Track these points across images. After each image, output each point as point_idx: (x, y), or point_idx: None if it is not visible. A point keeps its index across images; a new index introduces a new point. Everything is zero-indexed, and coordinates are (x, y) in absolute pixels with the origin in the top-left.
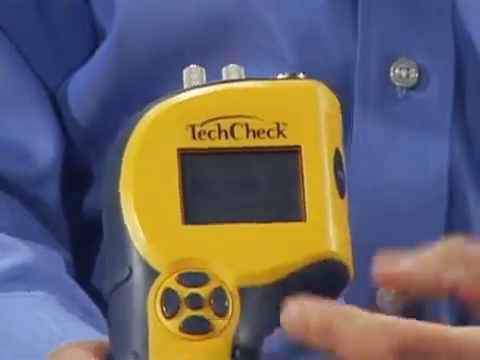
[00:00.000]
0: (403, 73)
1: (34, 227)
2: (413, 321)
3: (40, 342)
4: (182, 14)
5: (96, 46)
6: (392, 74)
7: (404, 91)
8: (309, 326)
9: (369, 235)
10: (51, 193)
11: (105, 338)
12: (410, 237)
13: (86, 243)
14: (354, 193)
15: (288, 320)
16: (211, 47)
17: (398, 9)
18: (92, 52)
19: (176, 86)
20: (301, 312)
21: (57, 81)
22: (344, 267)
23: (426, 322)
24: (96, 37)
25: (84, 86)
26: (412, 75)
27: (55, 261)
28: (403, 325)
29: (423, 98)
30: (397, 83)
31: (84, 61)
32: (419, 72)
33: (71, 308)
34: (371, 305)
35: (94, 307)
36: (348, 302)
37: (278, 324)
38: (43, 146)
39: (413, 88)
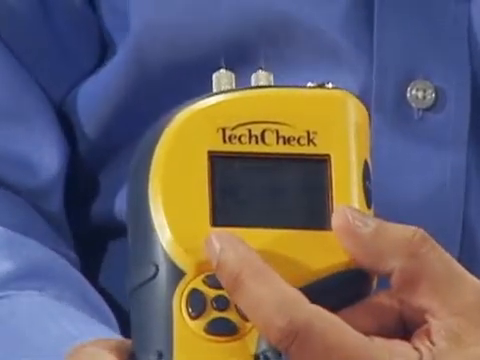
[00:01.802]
0: (420, 94)
1: (41, 227)
2: (320, 309)
3: (54, 341)
4: (203, 27)
5: (103, 57)
6: (409, 95)
7: (420, 112)
8: (221, 266)
9: None
10: (55, 204)
11: (119, 338)
12: None
13: (94, 250)
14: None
15: (207, 249)
16: (234, 56)
17: (414, 31)
18: (98, 63)
19: (194, 95)
20: (221, 249)
21: (63, 92)
22: (368, 277)
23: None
24: (103, 48)
25: (96, 97)
26: (428, 96)
27: (65, 260)
28: (304, 310)
29: (440, 119)
30: (413, 104)
31: (90, 71)
32: (436, 93)
33: (83, 307)
34: None
35: (106, 307)
36: None
37: None
38: (47, 158)
39: (429, 109)
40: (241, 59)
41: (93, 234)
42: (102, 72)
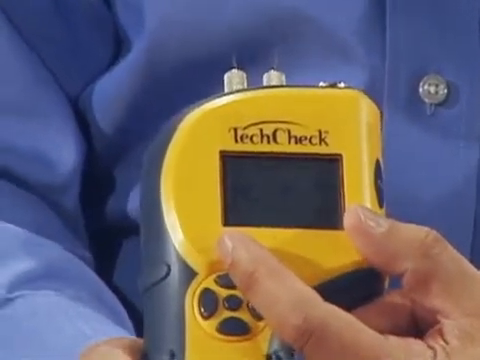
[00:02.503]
0: (432, 89)
1: (57, 227)
2: (336, 308)
3: (69, 341)
4: (216, 24)
5: (118, 53)
6: (421, 90)
7: (433, 107)
8: (235, 265)
9: None
10: (71, 200)
11: (134, 337)
12: None
13: (108, 247)
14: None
15: (220, 249)
16: (246, 55)
17: (426, 26)
18: (114, 58)
19: (209, 93)
20: (234, 248)
21: (79, 88)
22: (380, 277)
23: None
24: (118, 44)
25: (112, 92)
26: (441, 91)
27: (80, 261)
28: (319, 308)
29: (452, 114)
30: (426, 99)
31: (106, 68)
32: (448, 88)
33: (98, 308)
34: None
35: (120, 307)
36: None
37: None
38: (65, 155)
39: (442, 104)
40: (252, 57)
41: (107, 232)
42: (116, 69)
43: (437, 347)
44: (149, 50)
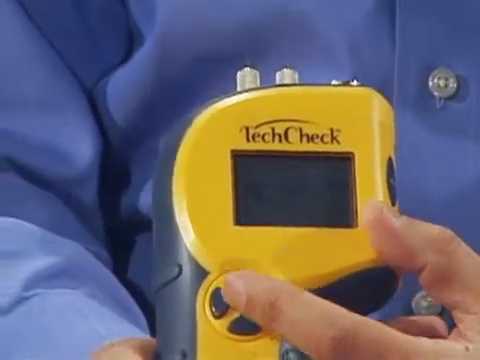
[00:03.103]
0: (441, 83)
1: (73, 225)
2: (365, 318)
3: (84, 341)
4: (225, 20)
5: (131, 48)
6: (431, 83)
7: (442, 101)
8: (253, 300)
9: None
10: (89, 193)
11: (147, 337)
12: None
13: (123, 242)
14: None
15: (231, 292)
16: (254, 52)
17: (435, 20)
18: (128, 52)
19: (218, 89)
20: (246, 285)
21: (93, 81)
22: (394, 275)
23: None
24: (131, 38)
25: (124, 86)
26: (451, 85)
27: (95, 259)
28: (350, 317)
29: (462, 108)
30: (436, 93)
31: (120, 61)
32: (458, 82)
33: (113, 307)
34: (406, 310)
35: (135, 306)
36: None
37: None
38: (82, 148)
39: (451, 98)
40: (260, 55)
41: (120, 228)
42: (129, 63)
43: (467, 344)
44: (159, 44)
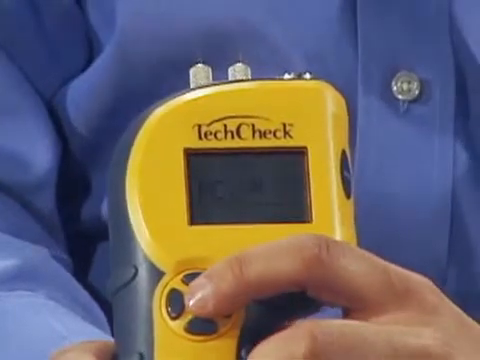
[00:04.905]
0: (405, 86)
1: (32, 228)
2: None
3: (44, 342)
4: (181, 27)
5: (91, 53)
6: (394, 87)
7: (406, 104)
8: None
9: (372, 247)
10: (47, 200)
11: (108, 338)
12: (413, 248)
13: (84, 250)
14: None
15: None
16: (211, 59)
17: (396, 23)
18: (87, 60)
19: (179, 91)
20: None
21: (53, 88)
22: None
23: None
24: (91, 44)
25: (84, 93)
26: (414, 88)
27: (55, 261)
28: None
29: (425, 111)
30: (399, 96)
31: (79, 69)
32: (421, 85)
33: (74, 308)
34: None
35: (96, 308)
36: None
37: (283, 324)
38: (40, 155)
39: (415, 101)
40: (221, 53)
41: (82, 235)
42: (89, 69)
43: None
44: (120, 47)
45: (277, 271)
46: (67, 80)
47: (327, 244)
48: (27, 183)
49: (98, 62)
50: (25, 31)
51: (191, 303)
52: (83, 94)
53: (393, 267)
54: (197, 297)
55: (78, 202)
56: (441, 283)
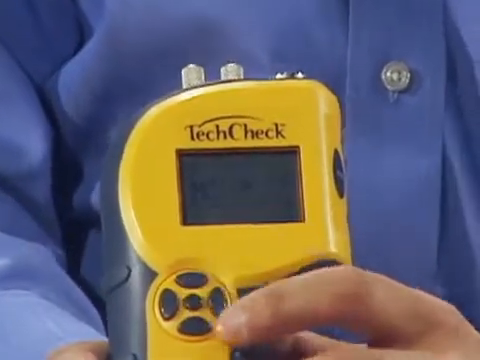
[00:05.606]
0: (395, 76)
1: (27, 224)
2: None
3: (40, 343)
4: (169, 19)
5: (82, 39)
6: (384, 77)
7: (396, 95)
8: None
9: (364, 237)
10: (42, 189)
11: (103, 338)
12: (405, 237)
13: (76, 238)
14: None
15: None
16: (197, 49)
17: (388, 13)
18: (78, 45)
19: (168, 82)
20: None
21: (43, 75)
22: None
23: None
24: (81, 29)
25: (75, 79)
26: (403, 78)
27: (50, 259)
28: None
29: (415, 102)
30: (389, 86)
31: (70, 54)
32: (411, 75)
33: (68, 307)
34: None
35: (91, 307)
36: None
37: None
38: (34, 143)
39: (404, 91)
40: (212, 47)
41: (74, 224)
42: (80, 55)
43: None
44: (110, 32)
45: (315, 308)
46: (58, 66)
47: (364, 280)
48: (21, 172)
49: (89, 46)
50: (16, 17)
51: (220, 329)
52: (74, 77)
53: (420, 295)
54: (229, 324)
55: (69, 190)
56: (433, 270)
